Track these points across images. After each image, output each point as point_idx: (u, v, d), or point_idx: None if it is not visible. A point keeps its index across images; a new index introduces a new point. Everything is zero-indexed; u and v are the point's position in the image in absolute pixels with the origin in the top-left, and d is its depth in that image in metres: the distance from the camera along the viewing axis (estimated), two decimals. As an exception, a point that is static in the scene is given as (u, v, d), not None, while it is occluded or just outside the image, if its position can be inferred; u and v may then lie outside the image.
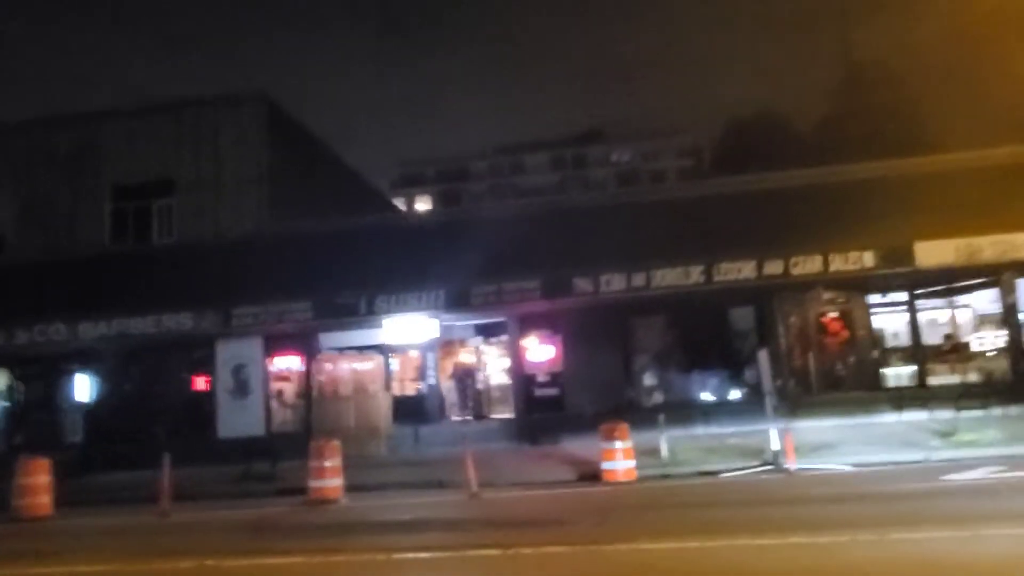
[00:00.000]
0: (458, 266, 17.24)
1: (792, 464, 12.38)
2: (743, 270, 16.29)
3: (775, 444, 12.98)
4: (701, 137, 61.78)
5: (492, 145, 68.03)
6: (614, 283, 16.62)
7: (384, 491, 13.61)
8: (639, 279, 16.52)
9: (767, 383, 13.51)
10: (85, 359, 20.04)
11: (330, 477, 12.33)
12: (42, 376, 20.87)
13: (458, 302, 17.33)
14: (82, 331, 18.50)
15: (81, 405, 20.37)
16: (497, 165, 68.20)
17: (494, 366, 20.60)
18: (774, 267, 16.22)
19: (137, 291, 18.87)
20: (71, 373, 20.51)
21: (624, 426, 12.64)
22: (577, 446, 17.08)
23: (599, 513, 9.45)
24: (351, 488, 12.97)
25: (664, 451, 14.18)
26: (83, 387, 20.43)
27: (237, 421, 19.08)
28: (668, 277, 16.48)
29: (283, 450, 16.61)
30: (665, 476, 13.11)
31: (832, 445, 14.50)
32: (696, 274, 16.39)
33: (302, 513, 11.50)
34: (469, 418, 20.48)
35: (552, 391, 18.61)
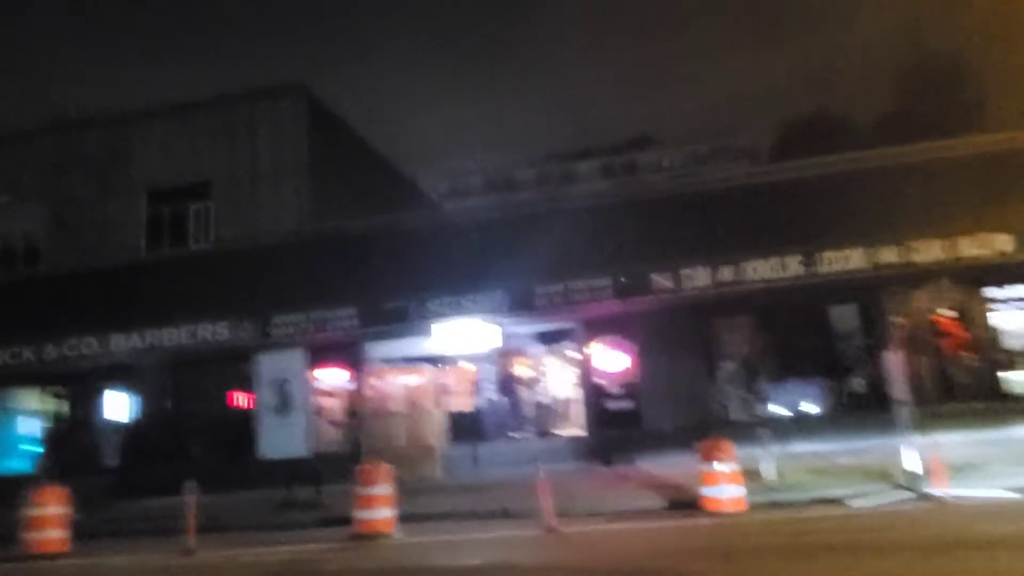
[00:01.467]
0: (519, 265, 15.34)
1: (942, 490, 10.05)
2: (851, 259, 13.99)
3: (913, 465, 10.67)
4: (756, 139, 58.95)
5: (540, 154, 66.27)
6: (697, 278, 14.47)
7: (442, 522, 11.69)
8: (726, 273, 14.35)
9: (899, 391, 11.20)
10: (120, 375, 18.72)
11: (380, 507, 10.47)
12: (76, 394, 19.64)
13: (519, 305, 15.39)
14: (114, 344, 17.14)
15: (117, 425, 19.04)
16: (546, 174, 66.40)
17: (558, 377, 18.56)
18: (888, 254, 13.88)
19: (172, 301, 17.47)
20: (106, 391, 19.21)
21: (728, 444, 10.51)
22: (658, 466, 14.97)
23: (723, 558, 7.35)
24: (404, 518, 11.11)
25: (769, 473, 11.94)
26: (118, 406, 19.09)
27: (279, 441, 17.47)
28: (761, 270, 14.27)
29: (329, 472, 14.98)
30: (776, 504, 10.88)
31: (975, 465, 12.05)
32: (794, 265, 14.15)
33: (347, 552, 9.64)
34: (529, 435, 18.46)
35: (626, 404, 16.50)
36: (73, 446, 19.08)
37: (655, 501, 11.75)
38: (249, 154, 18.99)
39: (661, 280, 14.55)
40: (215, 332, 16.75)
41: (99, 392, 19.20)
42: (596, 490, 13.09)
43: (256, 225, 18.48)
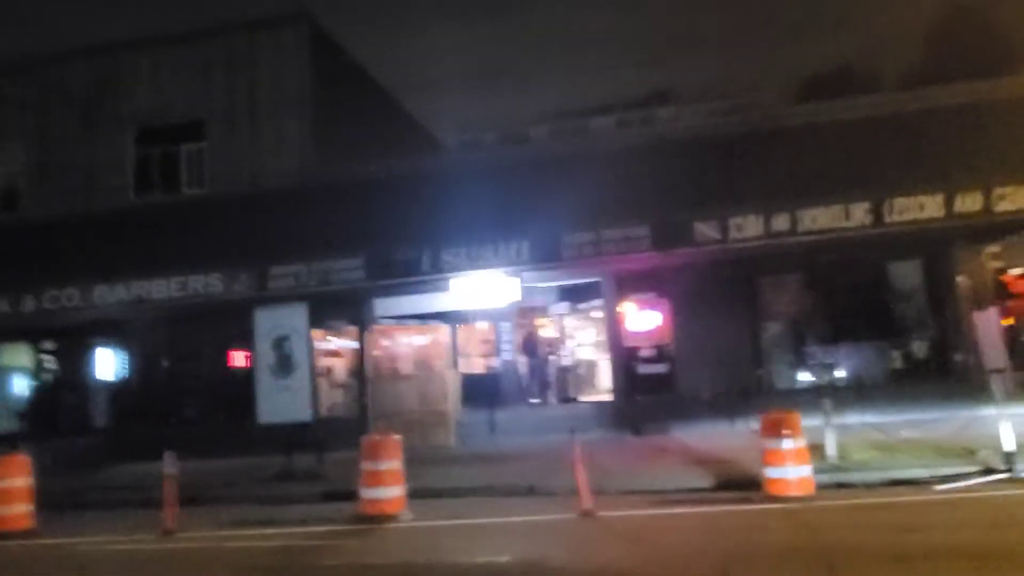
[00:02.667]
0: (544, 212, 13.69)
1: (1049, 473, 8.52)
2: (926, 206, 12.24)
3: (1009, 443, 9.12)
4: (777, 97, 56.32)
5: (554, 109, 63.89)
6: (747, 228, 12.78)
7: (458, 500, 10.29)
8: (781, 222, 12.65)
9: (993, 356, 9.60)
10: (109, 331, 17.33)
11: (388, 485, 9.03)
12: (63, 351, 18.32)
13: (545, 256, 13.76)
14: (97, 296, 15.67)
15: (106, 384, 17.71)
16: (559, 130, 64.06)
17: (584, 338, 17.07)
18: (969, 202, 12.11)
19: (161, 250, 15.97)
20: (94, 347, 17.83)
21: (795, 417, 8.95)
22: (696, 438, 13.53)
23: (824, 564, 5.84)
24: (415, 494, 9.75)
25: (831, 449, 10.41)
26: (107, 364, 17.74)
27: (279, 404, 16.10)
28: (821, 219, 12.55)
29: (333, 439, 13.70)
30: (843, 486, 9.39)
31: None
32: (860, 213, 12.42)
33: (349, 537, 8.22)
34: (551, 401, 17.05)
35: (659, 368, 14.98)
36: (59, 406, 17.83)
37: (702, 479, 10.28)
38: (247, 90, 17.27)
39: (706, 230, 12.87)
40: (207, 284, 15.25)
41: (87, 348, 17.85)
42: (630, 464, 11.64)
43: (254, 168, 16.85)
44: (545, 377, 16.56)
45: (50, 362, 18.16)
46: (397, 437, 9.33)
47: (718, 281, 14.40)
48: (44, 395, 17.93)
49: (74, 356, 18.06)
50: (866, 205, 12.36)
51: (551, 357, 16.86)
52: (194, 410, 16.95)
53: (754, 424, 14.47)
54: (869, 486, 9.31)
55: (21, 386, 18.24)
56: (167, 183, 17.45)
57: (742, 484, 9.71)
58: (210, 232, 15.98)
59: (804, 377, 14.41)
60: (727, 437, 13.45)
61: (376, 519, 8.82)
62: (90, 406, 17.87)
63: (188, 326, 17.08)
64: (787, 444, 8.80)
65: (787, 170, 13.06)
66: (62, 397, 17.90)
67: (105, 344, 17.65)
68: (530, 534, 7.90)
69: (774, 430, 8.89)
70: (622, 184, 13.71)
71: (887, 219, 12.32)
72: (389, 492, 9.01)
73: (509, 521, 8.61)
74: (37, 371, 18.07)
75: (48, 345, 18.09)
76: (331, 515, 9.48)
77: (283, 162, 16.75)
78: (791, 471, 8.75)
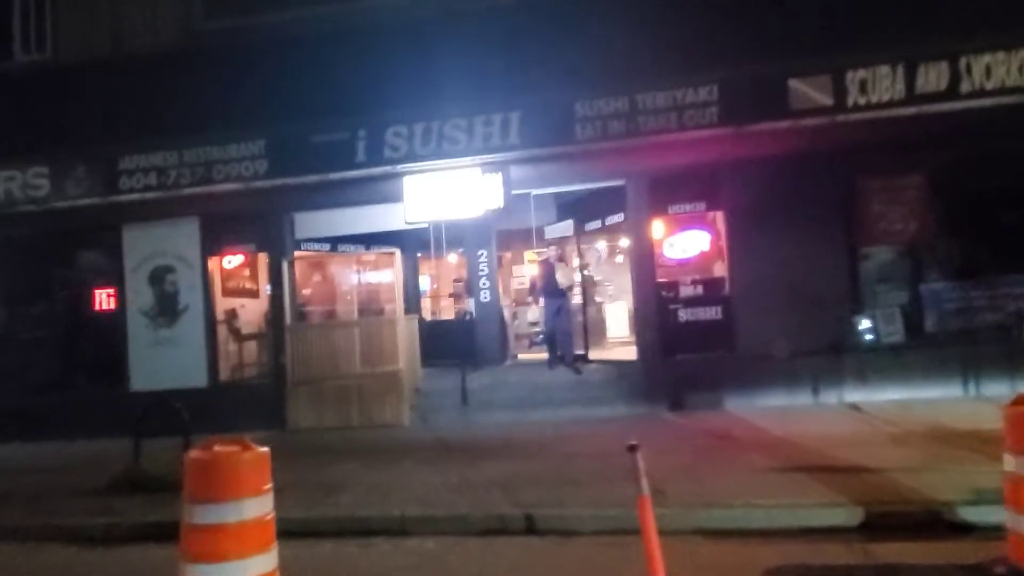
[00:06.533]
0: (545, 68, 8.71)
1: None
2: None
3: None
4: None
5: None
6: (876, 87, 7.93)
7: (404, 543, 5.68)
8: (932, 77, 7.80)
9: None
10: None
11: (238, 554, 4.19)
12: None
13: (546, 136, 8.82)
14: None
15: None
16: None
17: (597, 269, 12.26)
18: None
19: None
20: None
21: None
22: (768, 417, 9.07)
23: None
24: (325, 528, 5.38)
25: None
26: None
27: (161, 364, 11.32)
28: (999, 70, 7.74)
29: (238, 415, 9.20)
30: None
31: None
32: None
33: None
34: (548, 359, 12.33)
35: (708, 314, 10.28)
36: None
37: (830, 507, 5.65)
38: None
39: (809, 91, 7.99)
40: (27, 184, 10.14)
41: None
42: (688, 466, 7.02)
43: (116, 26, 11.60)
44: (540, 326, 11.83)
45: None
46: (262, 450, 4.46)
47: (799, 184, 9.64)
48: None
49: None
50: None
51: (548, 297, 12.04)
52: (42, 372, 12.03)
53: (849, 396, 10.07)
54: None
55: None
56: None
57: (914, 520, 5.26)
58: (48, 114, 10.81)
59: (923, 326, 9.82)
60: (817, 418, 8.95)
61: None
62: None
63: (32, 254, 12.08)
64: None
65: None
66: None
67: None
68: None
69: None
70: (670, 23, 8.71)
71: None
72: (240, 569, 4.21)
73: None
74: None
75: None
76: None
77: (159, 18, 11.52)
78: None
